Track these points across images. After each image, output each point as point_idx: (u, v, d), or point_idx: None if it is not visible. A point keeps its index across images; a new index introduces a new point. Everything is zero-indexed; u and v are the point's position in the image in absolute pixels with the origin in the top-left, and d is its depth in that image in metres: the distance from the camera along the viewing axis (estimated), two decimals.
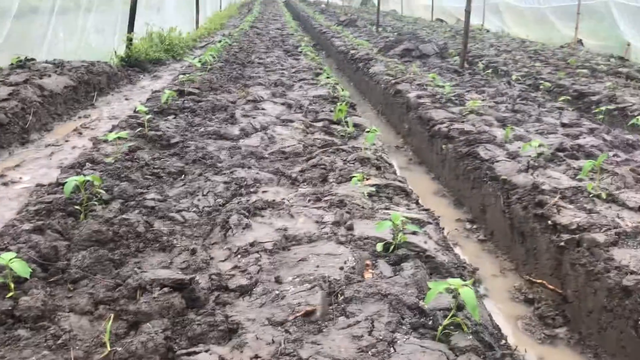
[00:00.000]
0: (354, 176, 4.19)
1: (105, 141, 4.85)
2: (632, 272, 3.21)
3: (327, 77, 9.04)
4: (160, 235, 3.21)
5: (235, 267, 2.93)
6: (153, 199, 3.71)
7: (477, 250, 4.77)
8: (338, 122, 6.28)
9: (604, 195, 4.20)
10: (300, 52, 13.06)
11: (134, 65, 11.32)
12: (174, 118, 5.89)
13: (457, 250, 4.75)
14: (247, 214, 3.50)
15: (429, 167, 6.96)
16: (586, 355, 3.41)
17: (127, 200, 3.67)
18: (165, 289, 2.52)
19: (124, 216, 3.31)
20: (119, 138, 4.61)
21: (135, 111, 6.01)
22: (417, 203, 4.26)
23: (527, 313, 3.81)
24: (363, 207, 3.82)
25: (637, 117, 6.45)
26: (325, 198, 3.93)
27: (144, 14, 13.33)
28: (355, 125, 6.15)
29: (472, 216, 5.36)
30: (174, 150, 4.85)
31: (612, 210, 4.03)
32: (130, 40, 11.41)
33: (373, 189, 4.20)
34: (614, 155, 5.51)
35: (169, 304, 2.46)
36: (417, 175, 6.84)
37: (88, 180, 3.41)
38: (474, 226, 5.17)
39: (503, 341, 2.75)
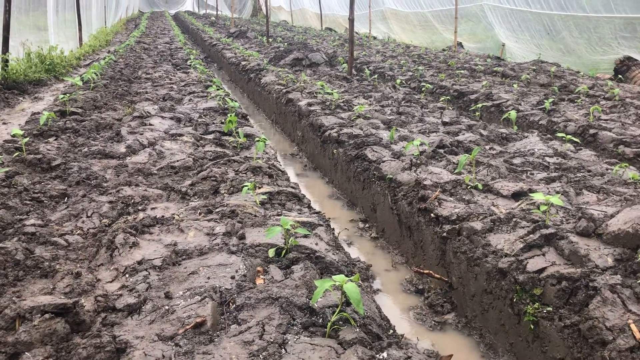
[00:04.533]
0: (245, 186, 4.21)
1: None
2: (506, 255, 3.47)
3: (218, 89, 9.00)
4: (41, 261, 3.07)
5: (123, 286, 2.86)
6: (33, 225, 3.54)
7: (370, 248, 4.94)
8: (229, 134, 6.29)
9: (480, 186, 4.50)
10: (190, 65, 12.90)
11: (12, 87, 10.67)
12: (55, 140, 5.63)
13: (352, 249, 4.90)
14: (134, 232, 3.43)
15: (323, 172, 7.11)
16: (473, 337, 3.63)
17: (4, 229, 3.49)
18: (47, 315, 2.42)
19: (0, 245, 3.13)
20: None
21: (12, 135, 5.69)
22: (309, 207, 4.35)
23: (418, 303, 4.00)
24: (255, 216, 3.86)
25: (509, 112, 6.94)
26: (217, 210, 3.93)
27: (21, 33, 12.62)
28: (247, 136, 6.19)
29: (365, 215, 5.55)
30: (55, 172, 4.65)
31: (488, 199, 4.33)
32: (5, 61, 10.76)
33: (265, 197, 4.25)
34: (490, 149, 5.91)
35: (51, 330, 2.37)
36: (312, 181, 6.98)
37: None
38: (367, 225, 5.36)
39: (391, 331, 2.88)
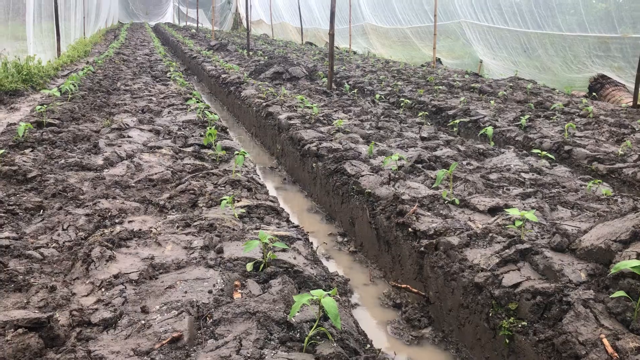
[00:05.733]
0: (224, 199, 4.20)
1: None
2: (482, 270, 3.51)
3: (197, 102, 8.99)
4: (15, 274, 3.02)
5: (99, 300, 2.84)
6: (7, 238, 3.49)
7: (349, 262, 4.96)
8: (209, 147, 6.28)
9: (457, 201, 4.55)
10: (170, 77, 12.87)
11: None
12: (32, 151, 5.57)
13: (330, 263, 4.91)
14: (111, 245, 3.40)
15: (302, 185, 7.13)
16: (449, 351, 3.65)
17: None
18: (20, 330, 2.39)
19: None
20: None
21: None
22: (287, 221, 4.35)
23: (395, 317, 4.01)
24: (233, 229, 3.85)
25: (486, 128, 7.04)
26: (195, 223, 3.91)
27: None
28: (227, 149, 6.19)
29: (343, 229, 5.57)
30: (31, 184, 4.59)
31: (465, 214, 4.38)
32: None
33: (244, 210, 4.25)
34: (467, 164, 5.98)
35: (24, 345, 2.33)
36: (291, 195, 6.98)
37: None
38: (345, 239, 5.37)
39: (368, 346, 2.89)
